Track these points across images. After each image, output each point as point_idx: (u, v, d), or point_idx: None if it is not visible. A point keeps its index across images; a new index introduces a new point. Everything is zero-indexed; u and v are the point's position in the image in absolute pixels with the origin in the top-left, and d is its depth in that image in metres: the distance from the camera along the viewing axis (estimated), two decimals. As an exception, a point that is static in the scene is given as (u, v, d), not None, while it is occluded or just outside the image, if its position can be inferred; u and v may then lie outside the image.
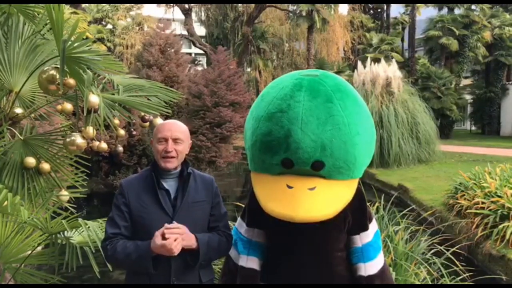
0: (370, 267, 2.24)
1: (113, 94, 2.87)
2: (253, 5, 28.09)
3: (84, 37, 2.40)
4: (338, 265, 2.24)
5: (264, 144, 2.13)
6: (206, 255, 2.23)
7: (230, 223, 2.56)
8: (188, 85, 15.04)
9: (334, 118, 2.05)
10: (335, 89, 2.14)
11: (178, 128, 2.29)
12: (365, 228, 2.27)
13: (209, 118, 14.36)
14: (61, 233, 2.74)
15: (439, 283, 4.05)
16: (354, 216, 2.24)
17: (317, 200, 2.05)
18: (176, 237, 2.07)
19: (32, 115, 3.10)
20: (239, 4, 30.68)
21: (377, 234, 2.34)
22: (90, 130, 2.70)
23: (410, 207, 5.94)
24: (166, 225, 2.11)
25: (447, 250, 4.46)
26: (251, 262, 2.32)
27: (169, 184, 2.28)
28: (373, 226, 2.34)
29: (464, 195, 7.90)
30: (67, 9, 4.22)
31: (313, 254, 2.22)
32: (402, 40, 33.24)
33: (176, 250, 2.07)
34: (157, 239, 2.06)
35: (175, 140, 2.25)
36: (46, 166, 2.85)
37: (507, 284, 5.79)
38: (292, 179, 2.11)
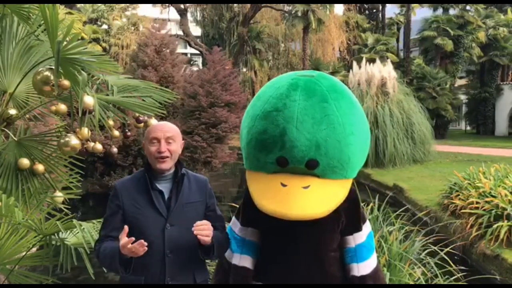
0: (363, 268, 2.25)
1: (108, 95, 2.87)
2: (248, 5, 28.11)
3: (79, 38, 2.40)
4: (331, 265, 2.26)
5: (260, 142, 2.15)
6: (218, 251, 2.25)
7: (225, 223, 2.57)
8: (184, 86, 15.02)
9: (329, 117, 2.07)
10: (330, 90, 2.15)
11: (169, 128, 2.30)
12: (358, 229, 2.29)
13: (204, 119, 14.34)
14: (56, 234, 2.74)
15: (433, 283, 4.07)
16: (348, 216, 2.25)
17: (310, 199, 2.06)
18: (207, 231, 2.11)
19: (27, 116, 3.09)
20: (235, 4, 30.66)
21: (370, 235, 2.35)
22: (85, 131, 2.69)
23: (405, 207, 5.96)
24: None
25: (441, 250, 4.48)
26: (244, 260, 2.33)
27: (163, 185, 2.28)
28: (367, 227, 2.35)
29: (458, 195, 7.94)
30: (61, 9, 4.21)
31: (307, 254, 2.23)
32: (397, 40, 33.31)
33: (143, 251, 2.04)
34: (122, 241, 2.02)
35: (167, 140, 2.25)
36: (40, 167, 2.85)
37: (501, 284, 5.82)
38: (286, 177, 2.13)
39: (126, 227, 2.08)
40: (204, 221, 2.15)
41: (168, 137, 2.25)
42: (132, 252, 2.02)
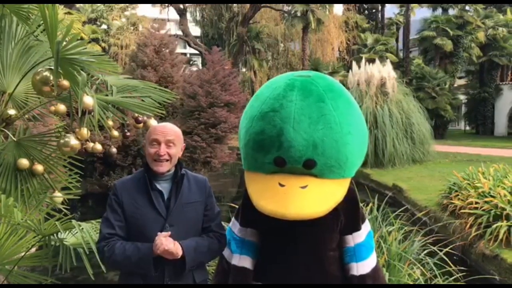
0: (362, 267, 2.26)
1: (107, 95, 2.87)
2: (248, 5, 28.09)
3: (79, 38, 2.39)
4: (330, 264, 2.26)
5: (257, 142, 2.16)
6: (194, 262, 2.23)
7: (224, 224, 2.57)
8: (183, 86, 15.00)
9: (325, 117, 2.08)
10: (327, 89, 2.17)
11: (170, 131, 2.28)
12: (357, 228, 2.29)
13: (204, 119, 14.33)
14: (55, 234, 2.73)
15: (432, 283, 4.07)
16: (347, 216, 2.26)
17: (308, 198, 2.07)
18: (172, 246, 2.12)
19: (26, 116, 3.09)
20: (234, 4, 30.65)
21: (369, 235, 2.36)
22: (84, 131, 2.69)
23: (404, 207, 5.96)
24: (159, 234, 2.13)
25: (441, 250, 4.48)
26: (243, 261, 2.33)
27: (163, 186, 2.28)
28: (366, 227, 2.35)
29: (458, 195, 7.93)
30: (61, 9, 4.21)
31: (306, 253, 2.24)
32: (397, 40, 33.35)
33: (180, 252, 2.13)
34: (162, 245, 2.09)
35: (167, 143, 2.24)
36: (39, 167, 2.84)
37: (500, 284, 5.82)
38: (284, 177, 2.14)
39: (169, 233, 2.13)
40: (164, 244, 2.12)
41: (169, 140, 2.24)
42: (172, 255, 2.10)
